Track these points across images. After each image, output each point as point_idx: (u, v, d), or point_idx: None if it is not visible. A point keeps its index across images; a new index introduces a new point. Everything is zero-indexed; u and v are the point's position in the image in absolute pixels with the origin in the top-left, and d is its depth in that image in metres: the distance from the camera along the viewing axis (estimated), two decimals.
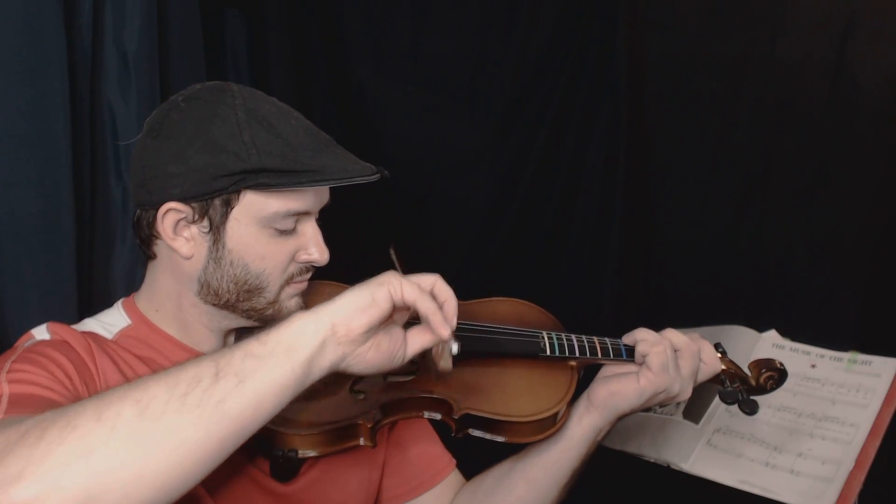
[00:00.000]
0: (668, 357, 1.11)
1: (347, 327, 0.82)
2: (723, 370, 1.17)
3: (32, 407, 0.81)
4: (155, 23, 1.44)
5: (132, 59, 1.42)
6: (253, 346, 0.79)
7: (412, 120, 2.05)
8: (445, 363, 0.94)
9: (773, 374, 1.19)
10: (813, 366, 1.39)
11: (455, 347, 0.91)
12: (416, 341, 0.91)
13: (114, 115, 1.43)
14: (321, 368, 0.82)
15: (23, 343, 0.99)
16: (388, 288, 0.85)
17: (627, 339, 1.16)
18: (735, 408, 1.16)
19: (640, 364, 1.13)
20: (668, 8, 2.02)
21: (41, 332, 1.00)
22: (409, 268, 1.10)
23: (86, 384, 0.93)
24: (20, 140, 1.27)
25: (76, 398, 0.89)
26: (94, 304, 1.40)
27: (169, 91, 1.48)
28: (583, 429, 1.14)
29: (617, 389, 1.13)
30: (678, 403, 1.41)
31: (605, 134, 2.05)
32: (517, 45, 2.05)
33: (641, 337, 1.14)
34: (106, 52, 1.40)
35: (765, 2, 1.96)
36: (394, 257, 1.17)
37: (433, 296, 0.89)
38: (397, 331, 0.90)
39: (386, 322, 0.87)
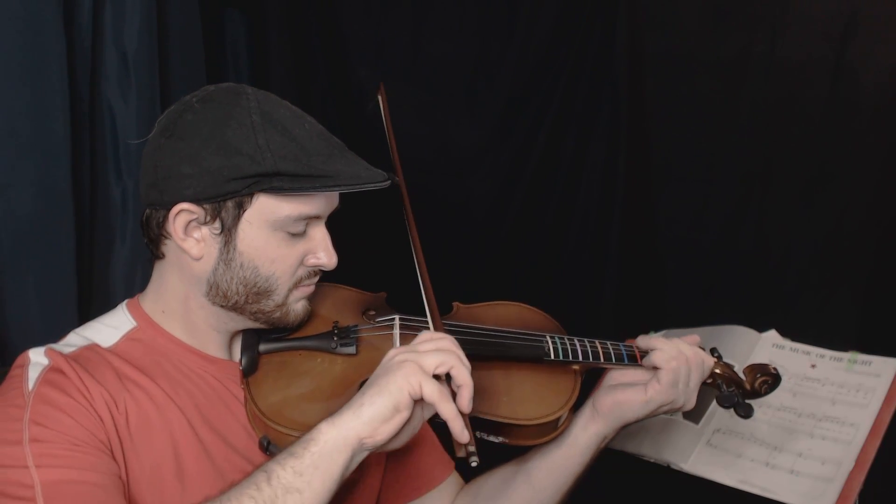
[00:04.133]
0: (681, 375, 1.11)
1: (374, 439, 0.88)
2: (719, 374, 1.17)
3: (71, 501, 0.85)
4: (155, 23, 1.44)
5: (132, 59, 1.42)
6: (290, 478, 0.85)
7: (412, 120, 2.05)
8: (462, 454, 0.92)
9: (767, 379, 1.19)
10: (813, 366, 1.39)
11: (475, 461, 0.90)
12: (430, 411, 0.93)
13: (114, 115, 1.43)
14: (352, 468, 0.90)
15: (20, 366, 0.98)
16: (409, 391, 0.88)
17: (642, 342, 1.15)
18: (731, 411, 1.16)
19: (648, 368, 1.13)
20: (668, 8, 2.02)
21: (38, 355, 0.98)
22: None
23: (97, 414, 0.94)
24: (20, 140, 1.27)
25: (105, 448, 0.92)
26: (93, 303, 1.40)
27: (169, 91, 1.48)
28: (588, 436, 1.14)
29: (623, 399, 1.12)
30: None
31: (605, 134, 2.05)
32: (517, 45, 2.05)
33: (658, 346, 1.12)
34: (106, 52, 1.41)
35: (765, 2, 1.96)
36: (381, 102, 1.16)
37: (452, 377, 0.91)
38: (414, 410, 0.91)
39: None
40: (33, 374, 0.96)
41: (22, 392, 0.94)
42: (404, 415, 0.88)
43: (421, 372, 0.89)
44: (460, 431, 0.89)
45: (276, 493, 0.83)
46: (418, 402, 0.90)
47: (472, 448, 0.90)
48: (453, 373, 0.91)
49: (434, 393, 0.88)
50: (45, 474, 0.85)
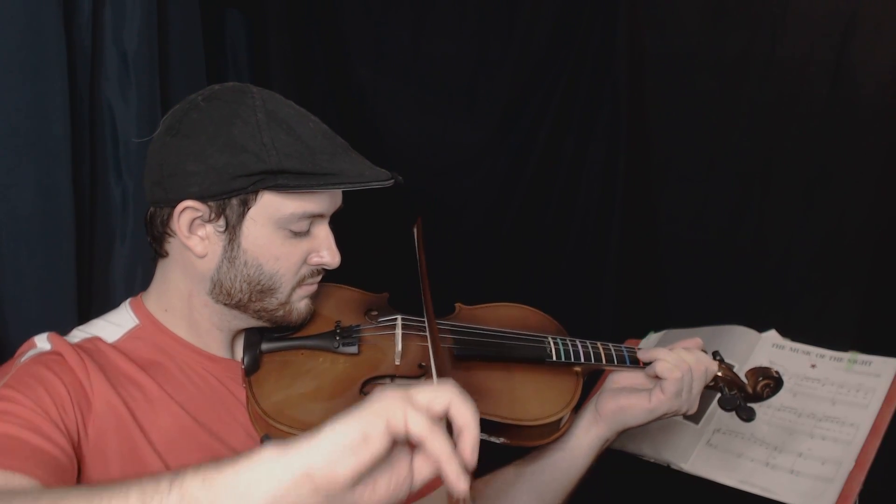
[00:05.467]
0: (684, 384, 1.11)
1: (329, 474, 0.64)
2: (721, 377, 1.17)
3: (7, 455, 0.81)
4: (155, 23, 1.44)
5: (132, 59, 1.42)
6: (194, 485, 0.64)
7: (412, 120, 2.04)
8: None
9: (769, 383, 1.20)
10: (813, 366, 1.39)
11: None
12: (423, 471, 0.71)
13: (114, 115, 1.43)
14: None
15: (23, 352, 0.99)
16: (388, 420, 0.66)
17: (644, 354, 1.15)
18: (733, 414, 1.17)
19: (651, 376, 1.13)
20: (669, 7, 2.02)
21: (42, 341, 0.99)
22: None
23: (78, 404, 0.93)
24: (20, 140, 1.27)
25: (61, 429, 0.89)
26: (93, 304, 1.40)
27: (169, 91, 1.48)
28: (590, 439, 1.15)
29: (626, 405, 1.13)
30: None
31: (605, 134, 2.05)
32: (517, 45, 2.04)
33: (661, 357, 1.12)
34: (106, 52, 1.40)
35: (765, 2, 1.96)
36: (415, 236, 1.15)
37: (450, 418, 0.69)
38: (400, 459, 0.69)
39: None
40: (31, 354, 0.97)
41: (12, 365, 0.95)
42: (376, 449, 0.65)
43: (408, 402, 0.67)
44: (455, 478, 0.67)
45: (170, 494, 0.64)
46: (412, 449, 0.70)
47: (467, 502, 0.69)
48: (453, 412, 0.69)
49: (422, 424, 0.66)
50: None
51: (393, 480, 0.69)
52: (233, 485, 0.64)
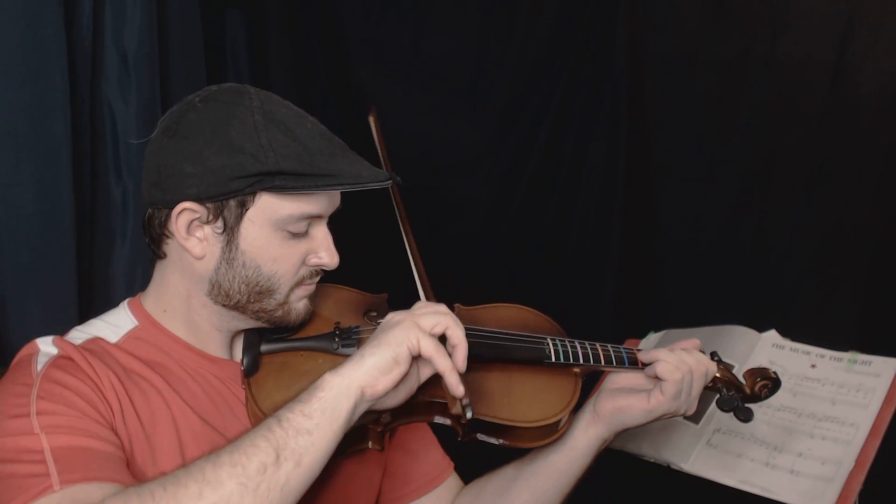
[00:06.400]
0: (684, 385, 1.11)
1: (374, 389, 0.91)
2: (719, 378, 1.17)
3: (82, 467, 0.84)
4: (155, 23, 1.44)
5: (132, 59, 1.42)
6: (300, 420, 0.87)
7: (412, 120, 2.05)
8: (457, 411, 0.99)
9: (766, 383, 1.19)
10: (813, 366, 1.39)
11: (470, 413, 0.97)
12: (426, 371, 0.99)
13: (114, 115, 1.43)
14: (352, 423, 0.92)
15: (28, 355, 0.99)
16: (408, 346, 0.93)
17: (644, 356, 1.15)
18: (731, 415, 1.16)
19: (651, 377, 1.13)
20: (668, 7, 2.02)
21: (46, 345, 0.99)
22: (387, 139, 1.11)
23: (104, 402, 0.94)
24: (20, 140, 1.27)
25: (110, 427, 0.92)
26: (94, 303, 1.40)
27: (169, 91, 1.48)
28: (588, 439, 1.14)
29: (625, 406, 1.12)
30: None
31: (605, 134, 2.06)
32: (517, 45, 2.05)
33: (662, 358, 1.12)
34: (106, 52, 1.41)
35: (765, 2, 1.96)
36: (372, 126, 1.16)
37: (447, 337, 0.97)
38: (410, 370, 0.96)
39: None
40: (43, 360, 0.97)
41: (31, 373, 0.95)
42: (402, 368, 0.92)
43: (419, 329, 0.94)
44: (455, 384, 0.95)
45: (288, 433, 0.85)
46: (416, 359, 0.95)
47: (466, 401, 0.96)
48: (448, 333, 0.96)
49: (431, 348, 0.93)
50: (53, 440, 0.85)
51: (406, 383, 0.96)
52: (324, 409, 0.88)
